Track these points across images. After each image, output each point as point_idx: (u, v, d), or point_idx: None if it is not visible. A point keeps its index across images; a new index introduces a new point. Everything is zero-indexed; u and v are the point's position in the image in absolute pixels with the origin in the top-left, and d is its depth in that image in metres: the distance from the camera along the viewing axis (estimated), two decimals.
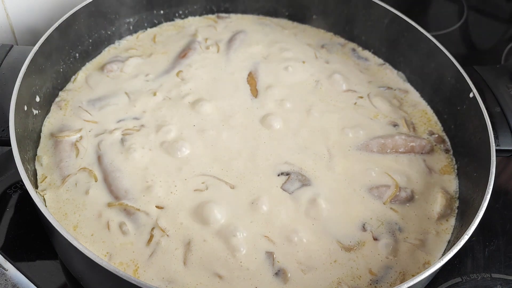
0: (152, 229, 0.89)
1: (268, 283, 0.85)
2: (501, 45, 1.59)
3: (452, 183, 1.04)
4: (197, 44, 1.26)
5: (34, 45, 1.01)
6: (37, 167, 0.98)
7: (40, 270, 0.95)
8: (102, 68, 1.18)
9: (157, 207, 0.92)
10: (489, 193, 0.88)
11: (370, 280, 0.87)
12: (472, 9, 1.70)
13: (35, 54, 0.99)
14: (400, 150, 1.07)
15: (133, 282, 0.69)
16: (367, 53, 1.32)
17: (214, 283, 0.84)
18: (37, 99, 1.02)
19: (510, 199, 1.17)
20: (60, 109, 1.08)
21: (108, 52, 1.24)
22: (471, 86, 1.04)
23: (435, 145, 1.10)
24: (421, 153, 1.08)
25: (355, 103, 1.16)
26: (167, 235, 0.89)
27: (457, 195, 1.02)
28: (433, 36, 1.16)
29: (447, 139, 1.12)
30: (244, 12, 1.39)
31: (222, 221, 0.91)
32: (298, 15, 1.39)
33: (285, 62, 1.24)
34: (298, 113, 1.11)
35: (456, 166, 1.07)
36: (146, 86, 1.14)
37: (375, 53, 1.32)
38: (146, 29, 1.31)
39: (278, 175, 0.99)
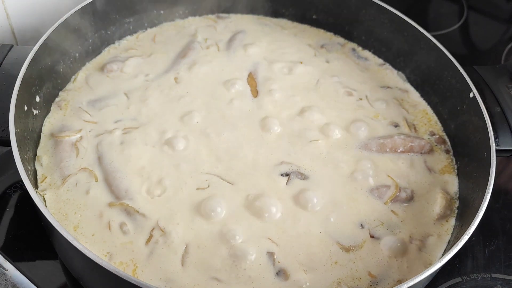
0: (152, 229, 0.89)
1: (269, 283, 0.84)
2: (501, 45, 1.60)
3: (452, 183, 1.04)
4: (197, 44, 1.26)
5: (34, 45, 1.01)
6: (37, 167, 0.98)
7: (40, 270, 0.95)
8: (102, 68, 1.18)
9: (156, 207, 0.92)
10: (489, 193, 0.88)
11: (370, 281, 0.87)
12: (472, 9, 1.70)
13: (35, 54, 0.99)
14: (399, 150, 1.07)
15: (133, 282, 0.69)
16: (367, 53, 1.32)
17: (212, 285, 0.83)
18: (37, 99, 1.02)
19: (510, 199, 1.17)
20: (60, 109, 1.08)
21: (108, 52, 1.24)
22: (471, 86, 1.05)
23: (436, 145, 1.10)
24: (421, 153, 1.08)
25: (355, 103, 1.16)
26: (166, 235, 0.89)
27: (457, 195, 1.02)
28: (433, 36, 1.16)
29: (447, 139, 1.12)
30: (244, 12, 1.39)
31: (222, 221, 0.91)
32: (298, 15, 1.39)
33: (285, 62, 1.24)
34: (298, 113, 1.11)
35: (456, 166, 1.07)
36: (146, 86, 1.14)
37: (375, 53, 1.32)
38: (146, 29, 1.31)
39: (279, 175, 0.99)
